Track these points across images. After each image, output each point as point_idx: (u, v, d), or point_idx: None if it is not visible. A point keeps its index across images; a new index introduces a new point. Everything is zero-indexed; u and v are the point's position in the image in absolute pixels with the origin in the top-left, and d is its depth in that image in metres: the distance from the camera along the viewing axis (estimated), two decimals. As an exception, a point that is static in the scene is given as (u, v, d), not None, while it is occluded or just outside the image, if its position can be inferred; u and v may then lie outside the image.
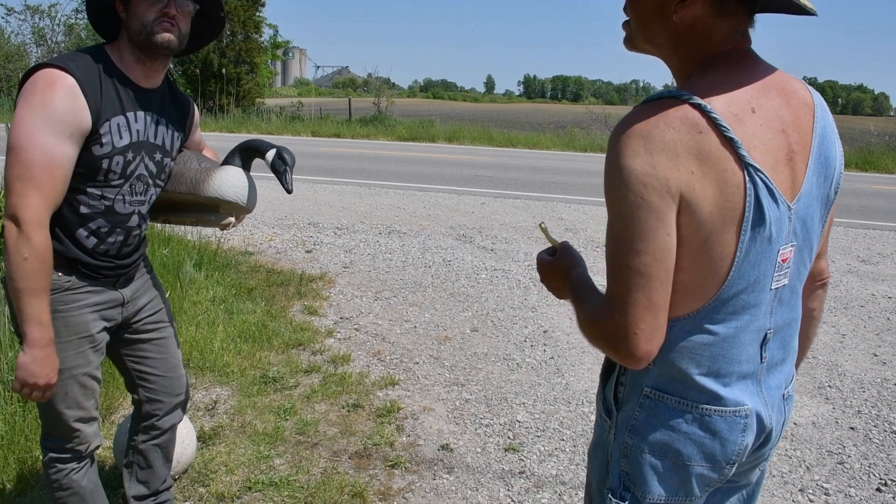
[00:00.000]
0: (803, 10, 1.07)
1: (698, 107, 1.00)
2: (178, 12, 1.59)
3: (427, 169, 10.66)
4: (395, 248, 5.95)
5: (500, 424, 3.06)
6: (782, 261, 1.08)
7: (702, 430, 1.12)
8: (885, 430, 3.13)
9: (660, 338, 1.04)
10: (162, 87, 1.74)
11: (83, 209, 1.63)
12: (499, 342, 4.00)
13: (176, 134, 1.79)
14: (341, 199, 7.99)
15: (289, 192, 1.86)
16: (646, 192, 0.98)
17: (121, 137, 1.61)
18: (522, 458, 2.80)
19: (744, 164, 1.00)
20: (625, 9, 1.14)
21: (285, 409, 3.05)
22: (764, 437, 1.19)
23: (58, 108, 1.48)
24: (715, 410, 1.11)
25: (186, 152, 1.87)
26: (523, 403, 3.27)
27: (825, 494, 2.63)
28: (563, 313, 4.49)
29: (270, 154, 1.88)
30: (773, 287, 1.09)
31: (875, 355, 4.00)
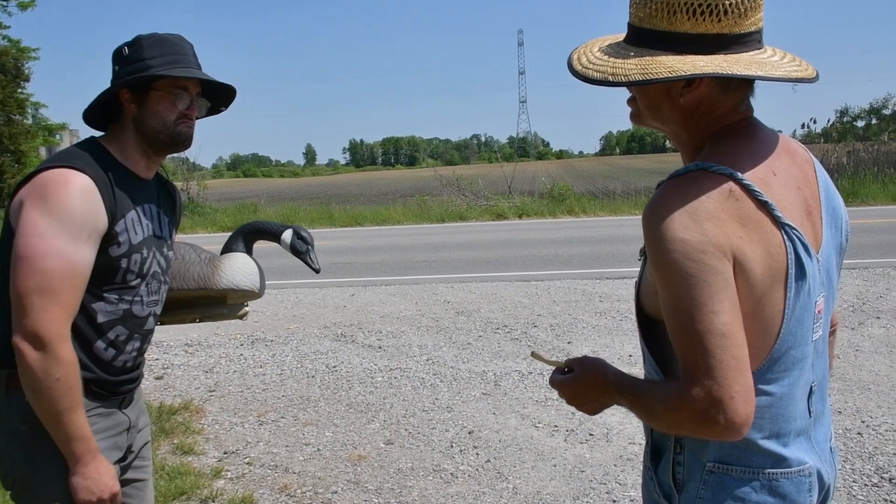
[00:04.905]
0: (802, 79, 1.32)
1: (729, 175, 1.19)
2: (196, 112, 1.80)
3: (271, 261, 10.50)
4: (265, 359, 5.82)
5: (455, 549, 3.08)
6: (818, 312, 1.29)
7: (771, 497, 1.25)
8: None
9: (753, 399, 1.14)
10: (154, 176, 1.88)
11: (101, 317, 1.69)
12: (422, 452, 4.03)
13: (171, 223, 1.91)
14: (178, 308, 7.71)
15: (317, 272, 2.07)
16: (706, 258, 1.13)
17: (136, 233, 1.72)
18: (492, 583, 2.84)
19: (780, 223, 1.20)
20: (629, 96, 1.35)
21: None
22: (824, 495, 1.36)
23: (74, 209, 1.55)
24: (781, 473, 1.26)
25: (176, 244, 1.98)
26: (473, 520, 3.31)
27: None
28: (482, 409, 4.61)
29: (287, 235, 2.07)
30: (812, 339, 1.29)
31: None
